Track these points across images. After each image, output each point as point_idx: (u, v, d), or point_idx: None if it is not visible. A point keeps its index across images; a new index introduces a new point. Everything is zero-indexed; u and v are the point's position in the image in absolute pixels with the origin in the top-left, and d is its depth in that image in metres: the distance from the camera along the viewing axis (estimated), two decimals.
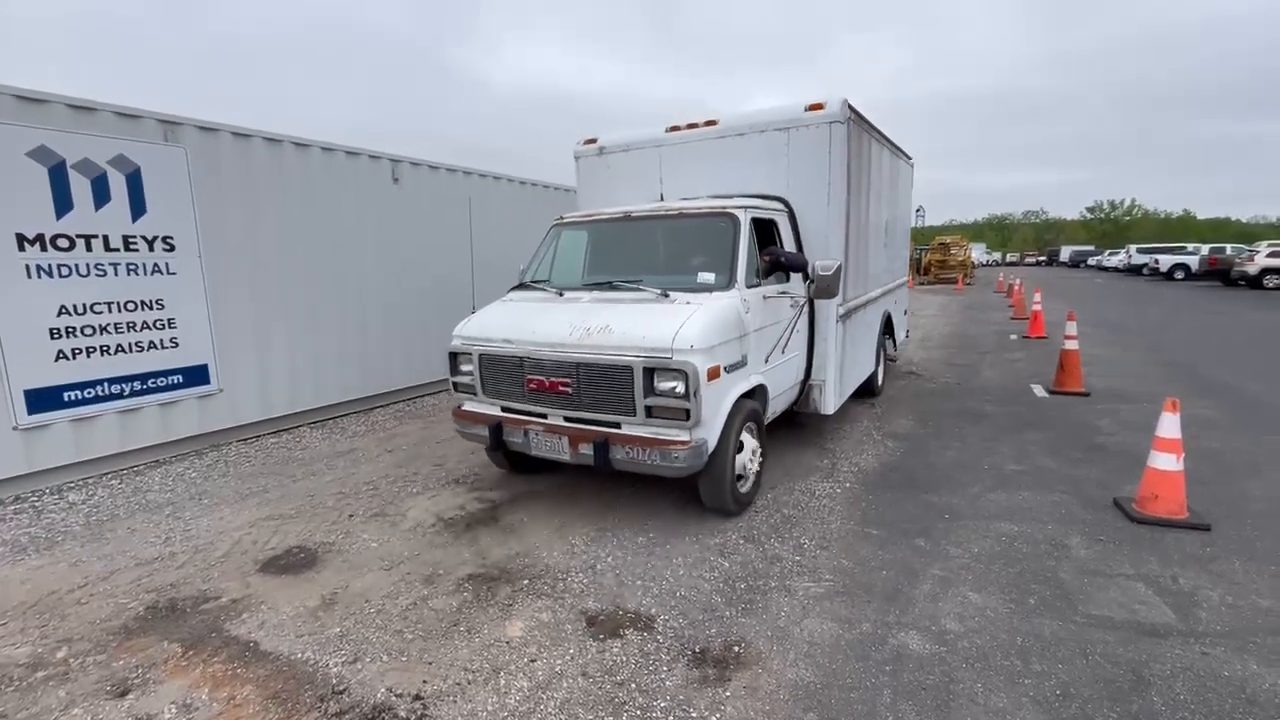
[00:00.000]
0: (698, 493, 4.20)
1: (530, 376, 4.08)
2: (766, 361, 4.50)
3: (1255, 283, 22.43)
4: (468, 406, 4.58)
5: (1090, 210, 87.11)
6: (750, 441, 4.25)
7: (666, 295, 4.11)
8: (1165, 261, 30.71)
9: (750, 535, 3.88)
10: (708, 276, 4.25)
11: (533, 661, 2.71)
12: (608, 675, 2.61)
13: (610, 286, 4.44)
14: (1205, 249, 30.63)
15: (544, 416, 4.13)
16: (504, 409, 4.34)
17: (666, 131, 5.64)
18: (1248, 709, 2.35)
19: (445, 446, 5.91)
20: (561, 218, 5.27)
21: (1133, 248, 37.88)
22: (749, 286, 4.30)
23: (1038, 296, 13.12)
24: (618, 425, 3.85)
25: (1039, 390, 7.57)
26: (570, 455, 3.94)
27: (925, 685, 2.52)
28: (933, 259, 32.69)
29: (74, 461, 5.01)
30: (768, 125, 5.22)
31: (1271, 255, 22.33)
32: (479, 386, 4.38)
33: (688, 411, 3.60)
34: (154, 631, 3.00)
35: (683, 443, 3.65)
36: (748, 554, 3.65)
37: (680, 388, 3.60)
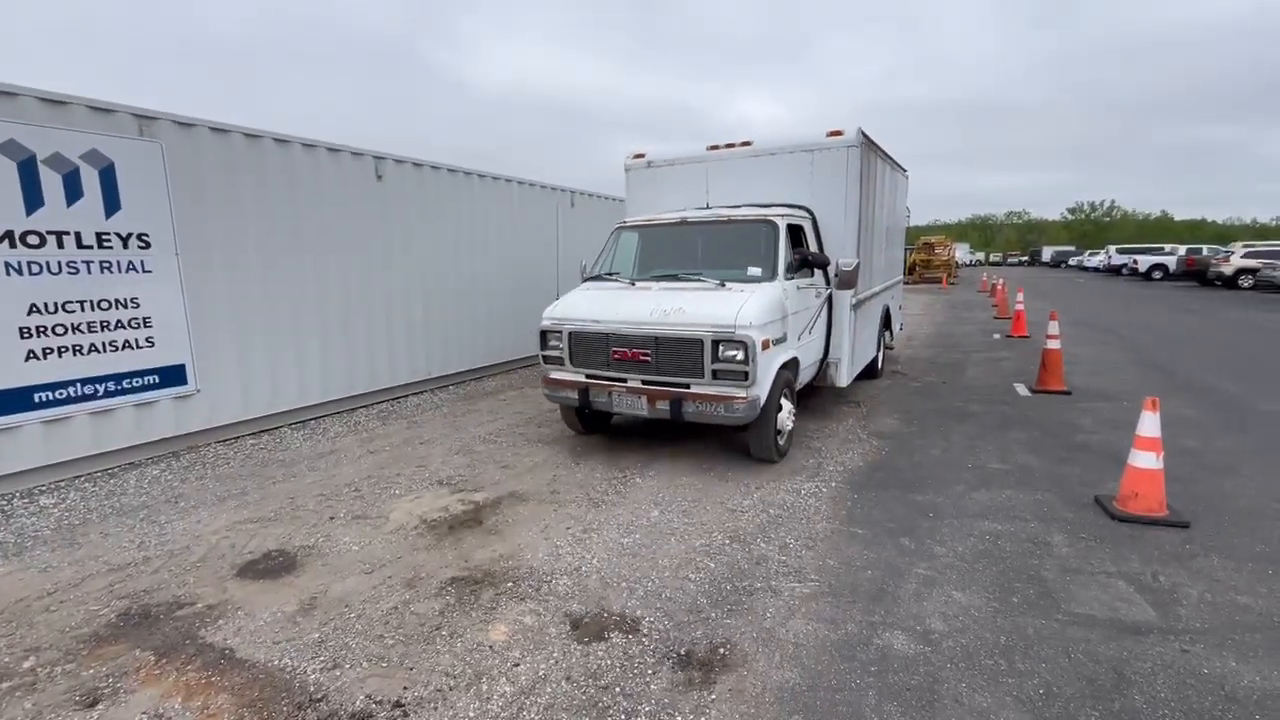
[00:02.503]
0: (686, 490, 4.46)
1: (614, 348, 4.95)
2: (799, 340, 5.40)
3: (1230, 283, 22.89)
4: (555, 375, 5.37)
5: (1071, 211, 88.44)
6: (786, 404, 5.15)
7: (724, 285, 5.01)
8: (1144, 262, 31.25)
9: (736, 535, 3.87)
10: (755, 270, 5.15)
11: (516, 666, 2.67)
12: (592, 679, 2.58)
13: (675, 278, 5.31)
14: (1183, 250, 31.18)
15: (624, 381, 4.97)
16: (588, 376, 5.15)
17: (708, 149, 6.60)
18: (1227, 706, 2.37)
19: (428, 447, 5.84)
20: (624, 222, 6.16)
21: (1112, 248, 38.49)
22: (786, 279, 5.17)
23: (1020, 296, 13.27)
24: (687, 386, 4.73)
25: (1022, 389, 7.64)
26: (648, 411, 4.87)
27: (910, 685, 2.52)
28: (917, 259, 32.94)
29: (45, 464, 4.87)
30: (795, 147, 6.16)
31: (1246, 256, 22.78)
32: (567, 358, 5.23)
33: (747, 373, 4.49)
34: (126, 639, 2.92)
35: (742, 398, 4.55)
36: (733, 554, 3.63)
37: (741, 355, 4.49)
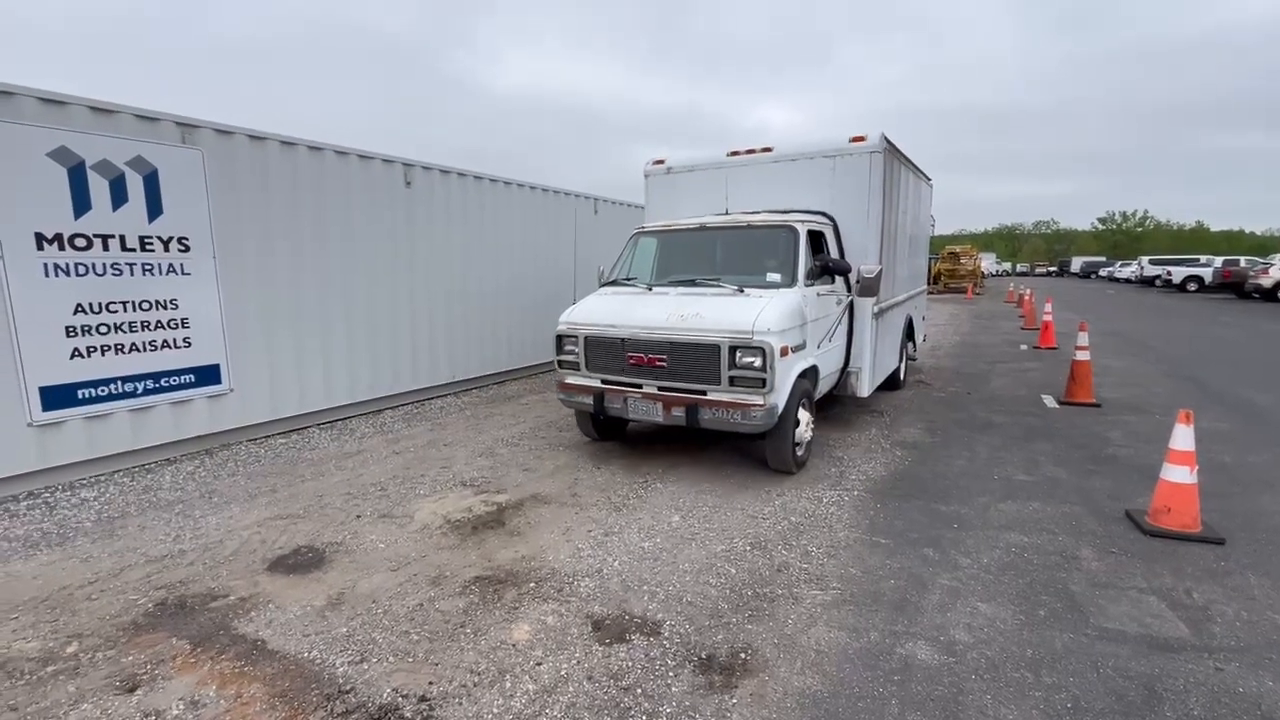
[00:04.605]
0: (708, 496, 4.50)
1: (630, 354, 4.92)
2: (819, 347, 5.34)
3: (1270, 295, 22.17)
4: (571, 380, 5.35)
5: (1102, 221, 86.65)
6: (804, 414, 5.06)
7: (742, 291, 4.95)
8: (1178, 273, 30.45)
9: (757, 542, 3.87)
10: (775, 276, 5.12)
11: (539, 665, 2.71)
12: (613, 680, 2.60)
13: (693, 283, 5.28)
14: (1219, 261, 30.24)
15: (639, 387, 4.95)
16: (604, 381, 5.13)
17: (728, 155, 6.57)
18: None
19: (452, 449, 5.93)
20: (642, 227, 6.15)
21: (1145, 259, 37.55)
22: (806, 285, 5.11)
23: (1048, 306, 13.04)
24: (704, 393, 4.68)
25: (1049, 401, 7.51)
26: (663, 417, 4.83)
27: (934, 696, 2.50)
28: (942, 268, 32.56)
29: (86, 459, 5.05)
30: (817, 153, 6.12)
31: None
32: (583, 363, 5.20)
33: (764, 380, 4.44)
34: (163, 628, 3.02)
35: (759, 405, 4.50)
36: (755, 561, 3.63)
37: (759, 362, 4.44)
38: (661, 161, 7.00)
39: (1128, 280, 39.44)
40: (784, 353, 4.56)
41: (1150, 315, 18.72)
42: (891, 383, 7.84)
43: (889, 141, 6.08)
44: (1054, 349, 11.57)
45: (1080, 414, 6.91)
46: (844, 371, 6.16)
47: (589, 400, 5.19)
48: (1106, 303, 24.27)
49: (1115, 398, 7.52)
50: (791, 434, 4.84)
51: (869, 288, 5.38)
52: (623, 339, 4.95)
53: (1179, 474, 3.87)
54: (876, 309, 6.15)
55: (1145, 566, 3.51)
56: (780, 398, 4.60)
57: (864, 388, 6.19)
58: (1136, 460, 5.26)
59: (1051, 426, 6.42)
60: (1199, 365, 9.82)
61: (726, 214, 6.27)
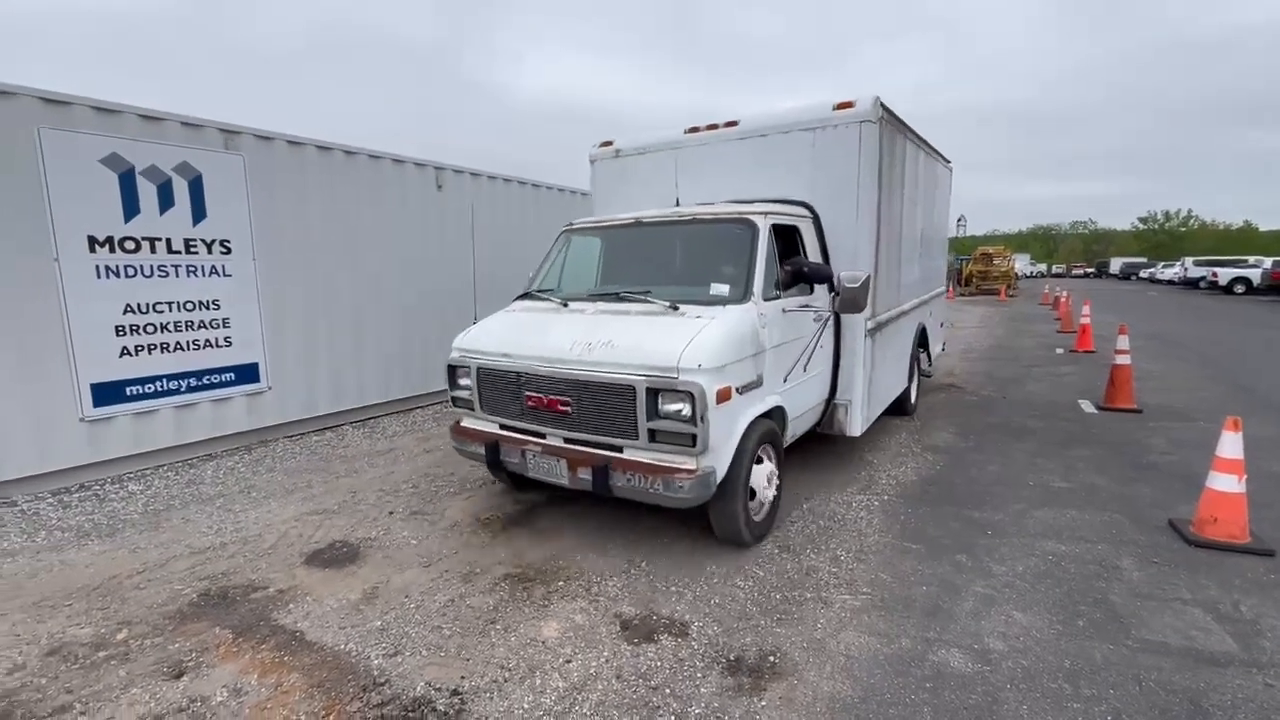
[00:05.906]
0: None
1: (528, 394, 3.82)
2: (786, 380, 4.16)
3: None
4: (466, 423, 4.34)
5: (1143, 221, 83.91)
6: (766, 466, 3.92)
7: (676, 308, 3.78)
8: (1224, 275, 29.26)
9: (786, 545, 3.85)
10: (721, 288, 3.91)
11: (568, 662, 2.74)
12: (642, 679, 2.62)
13: (617, 298, 4.11)
14: (1268, 262, 29.01)
15: (542, 436, 3.85)
16: (502, 426, 4.09)
17: (685, 133, 5.36)
18: None
19: None
20: (571, 224, 5.03)
21: (1188, 260, 36.24)
22: (767, 299, 3.92)
23: (1086, 309, 12.68)
24: (619, 449, 3.55)
25: (1087, 406, 7.30)
26: (569, 479, 3.66)
27: (967, 705, 2.46)
28: (974, 269, 31.92)
29: (134, 453, 5.26)
30: (792, 125, 4.88)
31: None
32: (477, 402, 4.15)
33: (694, 437, 3.27)
34: (206, 617, 3.13)
35: (688, 471, 3.33)
36: (783, 564, 3.62)
37: (686, 410, 3.27)
38: (609, 144, 5.80)
39: (1170, 282, 38.11)
40: (724, 396, 3.37)
41: (1194, 318, 18.06)
42: (899, 408, 6.47)
43: (886, 108, 4.82)
44: (1091, 352, 11.25)
45: (1120, 419, 6.71)
46: (829, 404, 4.95)
47: (482, 450, 4.09)
48: (1148, 305, 23.50)
49: (1157, 403, 7.29)
50: (742, 500, 3.64)
51: (852, 301, 4.07)
52: (519, 373, 3.85)
53: (1226, 482, 3.74)
54: (871, 324, 4.86)
55: (1189, 578, 3.40)
56: (720, 459, 3.44)
57: (856, 425, 4.95)
58: (1180, 468, 5.09)
59: (1090, 432, 6.25)
60: (1246, 370, 9.45)
61: (677, 204, 5.20)
